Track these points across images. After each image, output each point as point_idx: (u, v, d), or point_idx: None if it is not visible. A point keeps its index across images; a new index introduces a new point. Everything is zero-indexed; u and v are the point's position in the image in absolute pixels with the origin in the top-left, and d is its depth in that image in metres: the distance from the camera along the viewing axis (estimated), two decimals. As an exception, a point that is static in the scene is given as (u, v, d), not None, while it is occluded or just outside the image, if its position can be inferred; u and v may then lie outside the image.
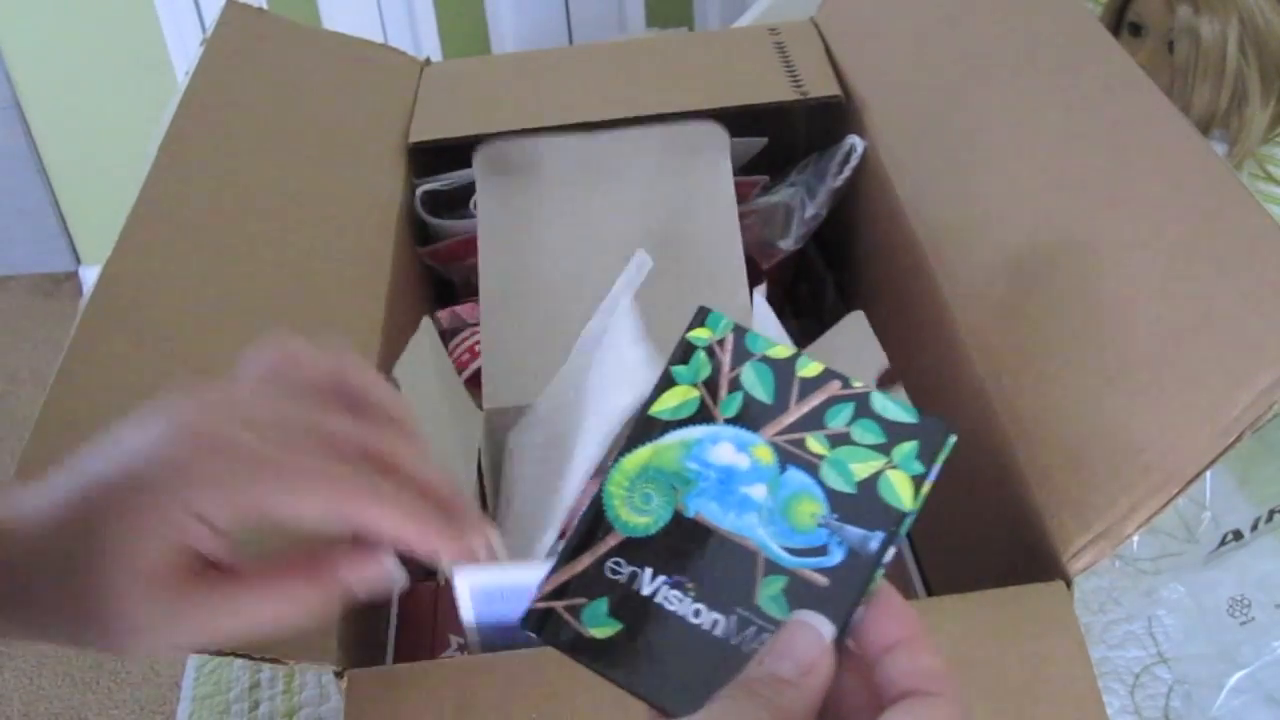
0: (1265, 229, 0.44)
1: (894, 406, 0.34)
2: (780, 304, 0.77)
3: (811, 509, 0.33)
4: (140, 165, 0.60)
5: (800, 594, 0.32)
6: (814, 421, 0.35)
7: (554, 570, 0.34)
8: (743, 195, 0.73)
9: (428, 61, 0.82)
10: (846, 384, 0.35)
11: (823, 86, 0.72)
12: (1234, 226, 0.45)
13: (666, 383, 0.36)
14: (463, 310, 0.71)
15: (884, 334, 0.69)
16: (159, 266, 0.56)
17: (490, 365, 0.65)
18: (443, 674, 0.44)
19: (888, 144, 0.67)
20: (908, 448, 0.34)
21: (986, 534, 0.53)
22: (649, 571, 0.34)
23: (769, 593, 0.33)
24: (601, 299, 0.60)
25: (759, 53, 0.77)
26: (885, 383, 0.64)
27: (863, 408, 0.34)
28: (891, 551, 0.33)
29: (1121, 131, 0.53)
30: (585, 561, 0.34)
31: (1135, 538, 0.45)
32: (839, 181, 0.71)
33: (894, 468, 0.33)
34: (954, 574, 0.59)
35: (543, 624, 0.34)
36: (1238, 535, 0.63)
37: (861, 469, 0.34)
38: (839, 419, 0.34)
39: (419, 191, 0.72)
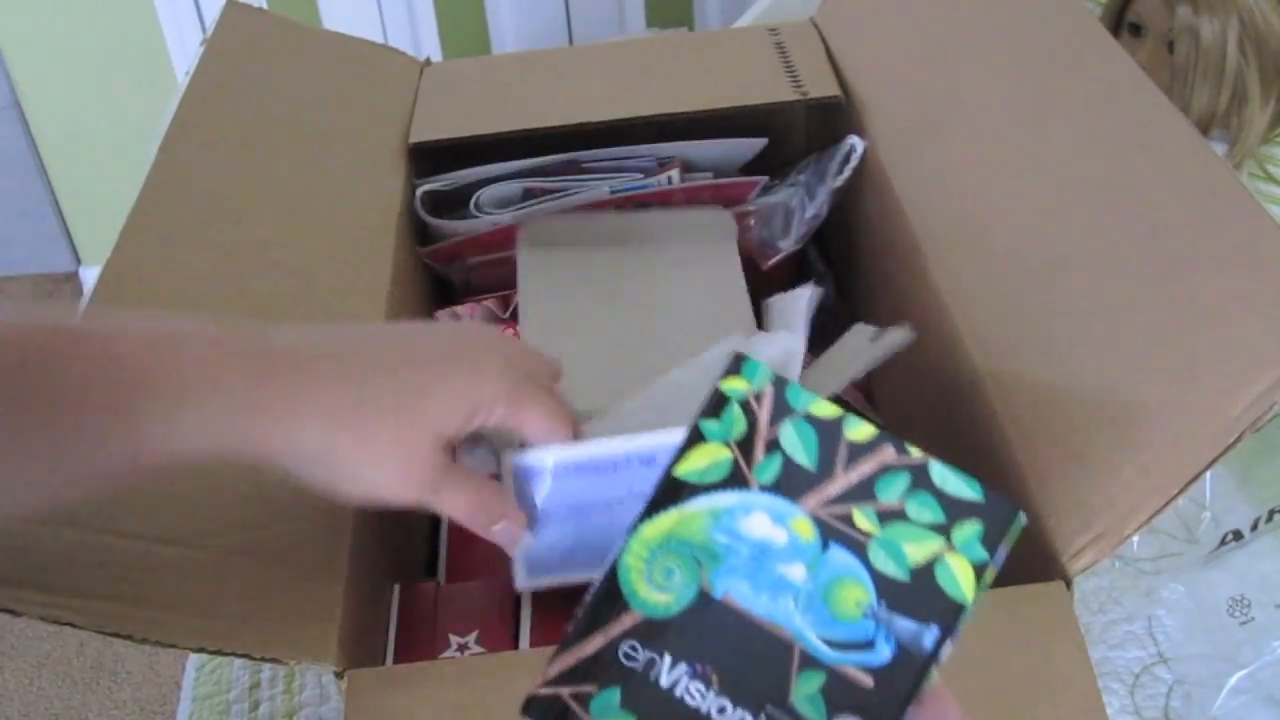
0: (1265, 229, 0.44)
1: (955, 479, 0.30)
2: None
3: (857, 596, 0.29)
4: (140, 165, 0.60)
5: (841, 695, 0.28)
6: (863, 493, 0.30)
7: (562, 650, 0.30)
8: (743, 195, 0.73)
9: (428, 61, 0.82)
10: (902, 450, 0.31)
11: (823, 86, 0.72)
12: (1234, 226, 0.45)
13: (695, 438, 0.32)
14: (462, 310, 0.71)
15: (884, 334, 0.69)
16: (159, 266, 0.56)
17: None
18: (443, 674, 0.44)
19: (888, 144, 0.67)
20: (970, 529, 0.30)
21: (986, 534, 0.53)
22: (668, 659, 0.30)
23: (805, 691, 0.29)
24: (620, 359, 0.60)
25: (759, 53, 0.77)
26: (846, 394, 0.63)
27: (920, 479, 0.30)
28: (948, 649, 0.29)
29: (1121, 131, 0.53)
30: (597, 643, 0.30)
31: (1135, 538, 0.45)
32: (839, 181, 0.71)
33: (954, 552, 0.29)
34: (954, 574, 0.59)
35: (546, 713, 0.30)
36: (1238, 535, 0.63)
37: (917, 552, 0.30)
38: (892, 492, 0.30)
39: (419, 191, 0.72)
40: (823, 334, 0.75)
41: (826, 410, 0.31)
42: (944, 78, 0.66)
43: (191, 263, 0.57)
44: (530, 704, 0.30)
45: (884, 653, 0.29)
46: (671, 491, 0.31)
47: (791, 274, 0.81)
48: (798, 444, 0.31)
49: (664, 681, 0.29)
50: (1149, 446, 0.43)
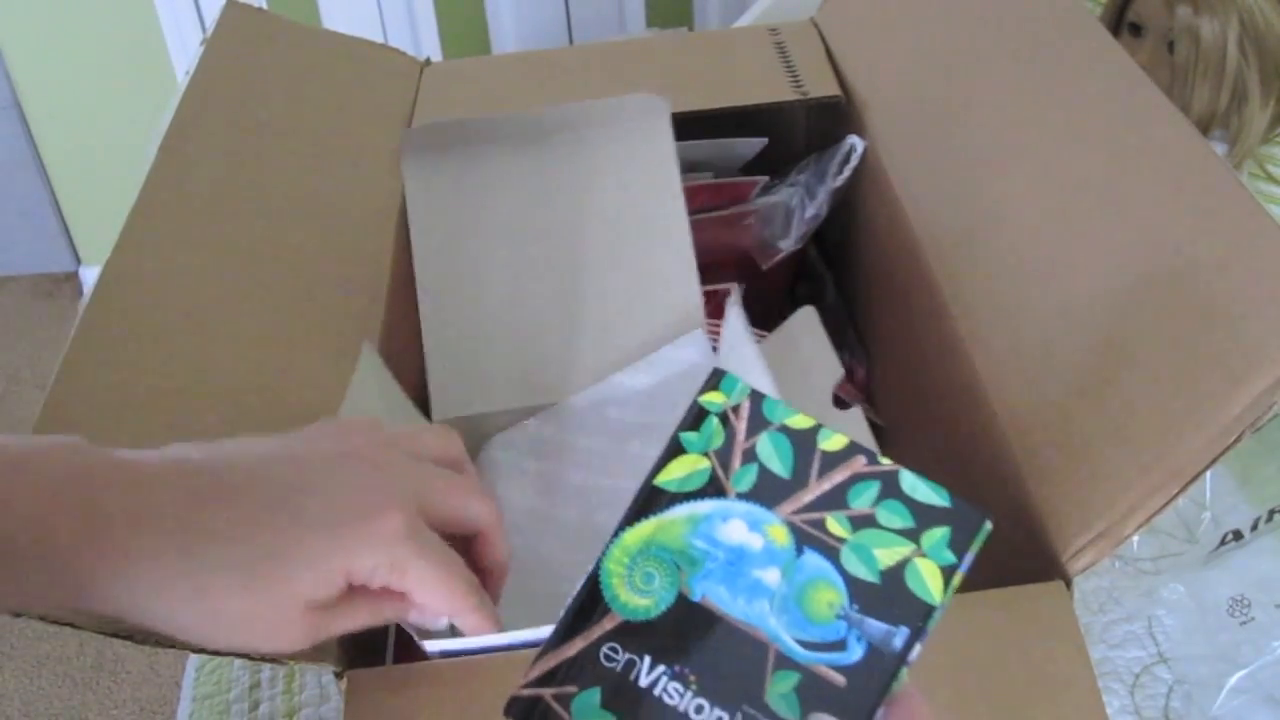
0: (1265, 229, 0.44)
1: (924, 487, 0.32)
2: (780, 304, 0.77)
3: (830, 598, 0.31)
4: (140, 165, 0.60)
5: (814, 693, 0.29)
6: (836, 501, 0.32)
7: (543, 653, 0.31)
8: (743, 195, 0.73)
9: (428, 61, 0.82)
10: (873, 460, 0.32)
11: (823, 86, 0.72)
12: (1234, 226, 0.45)
13: (674, 450, 0.33)
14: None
15: (884, 334, 0.69)
16: (159, 266, 0.56)
17: (436, 373, 0.65)
18: (443, 674, 0.44)
19: (888, 144, 0.67)
20: (938, 534, 0.31)
21: (986, 534, 0.53)
22: (648, 660, 0.30)
23: (779, 690, 0.30)
24: (548, 290, 0.57)
25: (759, 53, 0.77)
26: (846, 393, 0.64)
27: (890, 487, 0.32)
28: (917, 650, 0.30)
29: (1121, 131, 0.53)
30: (578, 645, 0.31)
31: (1135, 538, 0.45)
32: (839, 181, 0.71)
33: (923, 556, 0.31)
34: (954, 574, 0.59)
35: (528, 713, 0.31)
36: (1238, 535, 0.63)
37: (887, 556, 0.31)
38: (863, 499, 0.32)
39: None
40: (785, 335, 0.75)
41: (802, 422, 0.33)
42: (944, 78, 0.66)
43: (191, 263, 0.57)
44: (513, 705, 0.31)
45: (856, 652, 0.30)
46: (652, 500, 0.32)
47: (791, 274, 0.81)
48: (773, 454, 0.32)
49: (643, 682, 0.30)
50: (1149, 446, 0.43)
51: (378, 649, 0.51)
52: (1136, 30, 1.01)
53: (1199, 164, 0.48)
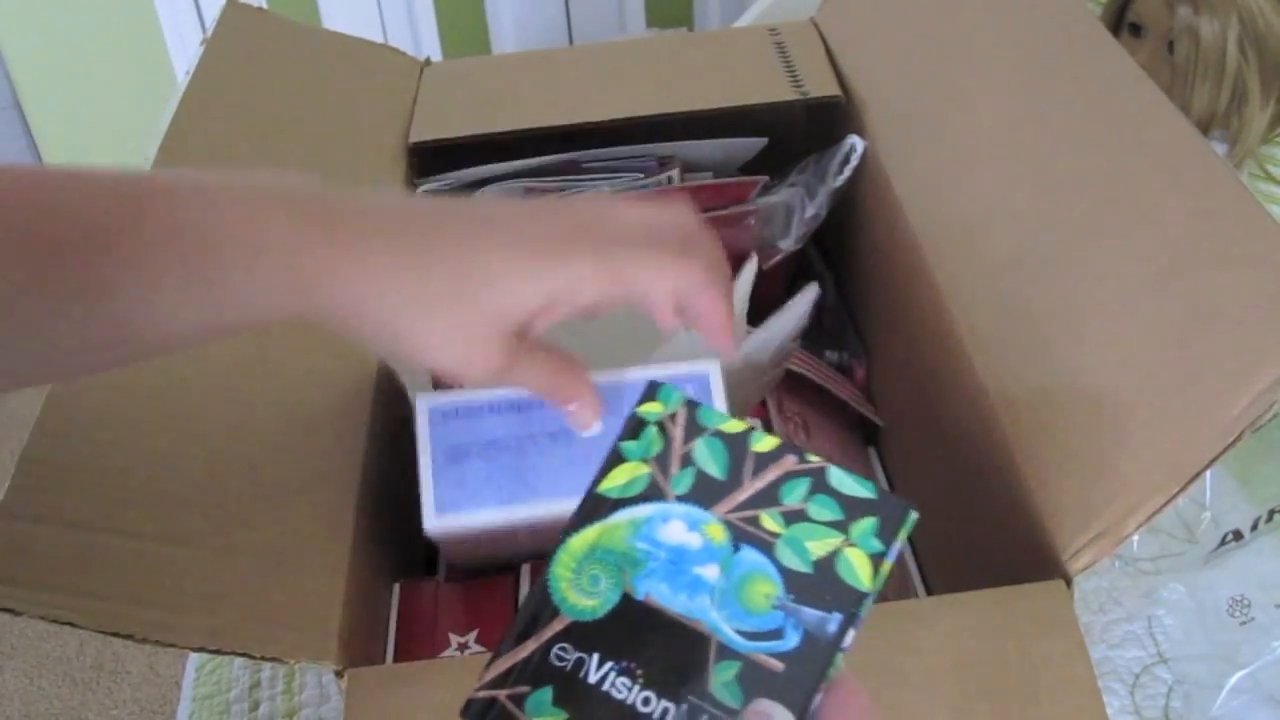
0: (1265, 229, 0.44)
1: (851, 481, 0.33)
2: (780, 304, 0.77)
3: (766, 590, 0.32)
4: (140, 165, 0.60)
5: (755, 680, 0.31)
6: (769, 498, 0.33)
7: (497, 657, 0.32)
8: (743, 195, 0.73)
9: (428, 61, 0.82)
10: (802, 459, 0.34)
11: (823, 86, 0.72)
12: (1234, 226, 0.45)
13: (615, 459, 0.35)
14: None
15: (884, 333, 0.69)
16: (159, 266, 0.56)
17: None
18: (443, 674, 0.44)
19: (888, 144, 0.67)
20: (866, 525, 0.33)
21: (986, 534, 0.53)
22: (596, 658, 0.32)
23: (722, 679, 0.31)
24: None
25: (759, 53, 0.77)
26: (846, 393, 0.63)
27: (819, 483, 0.33)
28: (851, 635, 0.31)
29: (1121, 131, 0.53)
30: (529, 648, 0.32)
31: (1135, 538, 0.45)
32: (839, 181, 0.71)
33: (852, 545, 0.32)
34: (954, 574, 0.59)
35: (485, 714, 0.32)
36: (1238, 535, 0.63)
37: (818, 547, 0.32)
38: (794, 495, 0.33)
39: (419, 191, 0.72)
40: (821, 331, 0.75)
41: (734, 427, 0.35)
42: (944, 78, 0.66)
43: (191, 263, 0.57)
44: (469, 706, 0.32)
45: (792, 639, 0.31)
46: (595, 507, 0.34)
47: (791, 274, 0.81)
48: (709, 458, 0.34)
49: (592, 678, 0.31)
50: (1149, 446, 0.43)
51: (378, 649, 0.51)
52: (1136, 30, 1.01)
53: (1199, 164, 0.48)
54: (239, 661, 0.63)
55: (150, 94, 1.88)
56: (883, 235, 0.68)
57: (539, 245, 0.39)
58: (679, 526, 0.33)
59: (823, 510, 0.33)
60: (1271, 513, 0.63)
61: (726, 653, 0.31)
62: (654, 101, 0.72)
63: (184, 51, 1.83)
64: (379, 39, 1.11)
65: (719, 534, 0.33)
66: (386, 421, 0.56)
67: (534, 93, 0.76)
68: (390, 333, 0.39)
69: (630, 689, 0.31)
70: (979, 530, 0.54)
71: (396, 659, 0.51)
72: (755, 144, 0.75)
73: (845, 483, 0.33)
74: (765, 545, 0.33)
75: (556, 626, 0.32)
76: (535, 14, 1.80)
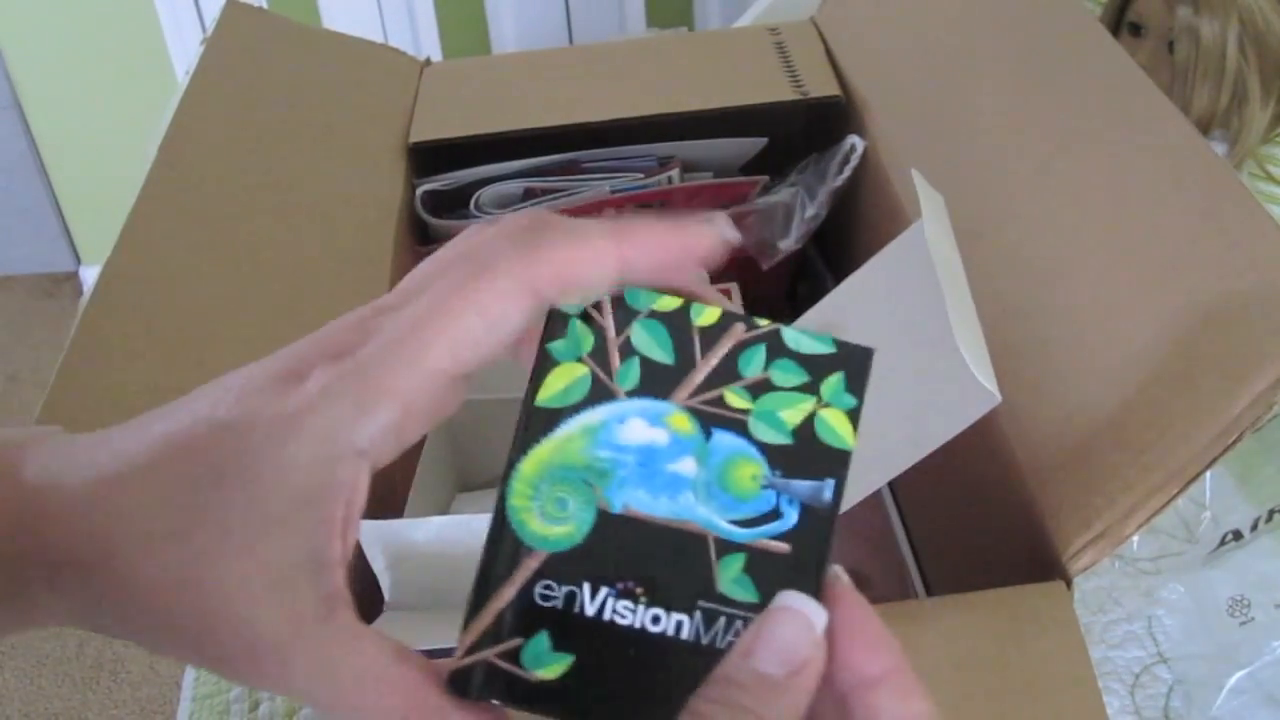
0: (1265, 229, 0.44)
1: (807, 340, 0.30)
2: (780, 304, 0.77)
3: (751, 471, 0.29)
4: (140, 165, 0.60)
5: (764, 568, 0.29)
6: (727, 374, 0.30)
7: (469, 620, 0.29)
8: (743, 195, 0.73)
9: (428, 61, 0.82)
10: (751, 324, 0.30)
11: (823, 86, 0.72)
12: (1234, 226, 0.45)
13: (546, 363, 0.30)
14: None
15: (884, 334, 0.69)
16: (159, 266, 0.56)
17: None
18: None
19: (888, 144, 0.67)
20: (834, 381, 0.30)
21: (986, 534, 0.53)
22: (587, 587, 0.29)
23: (729, 575, 0.29)
24: None
25: (759, 53, 0.77)
26: None
27: (776, 347, 0.30)
28: (842, 499, 0.29)
29: (1121, 131, 0.53)
30: (507, 595, 0.29)
31: (1135, 538, 0.45)
32: (839, 181, 0.71)
33: (826, 406, 0.30)
34: (954, 574, 0.59)
35: (473, 682, 0.28)
36: (1238, 535, 0.63)
37: (792, 415, 0.30)
38: (753, 365, 0.30)
39: (419, 191, 0.72)
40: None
41: (669, 303, 0.31)
42: (944, 77, 0.66)
43: (191, 263, 0.57)
44: (454, 679, 0.28)
45: (791, 517, 0.29)
46: (538, 422, 0.30)
47: (791, 274, 0.81)
48: (651, 343, 0.30)
49: (589, 610, 0.29)
50: (1149, 446, 0.43)
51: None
52: (1136, 30, 1.01)
53: (1199, 164, 0.48)
54: (239, 661, 0.63)
55: (150, 94, 1.88)
56: (883, 235, 0.68)
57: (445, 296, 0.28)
58: (639, 425, 0.30)
59: (787, 375, 0.30)
60: (1271, 513, 0.63)
61: (726, 547, 0.29)
62: (654, 101, 0.72)
63: (184, 51, 1.83)
64: (379, 39, 1.11)
65: (685, 424, 0.30)
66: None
67: (534, 93, 0.76)
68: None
69: (634, 611, 0.29)
70: (979, 530, 0.54)
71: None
72: (755, 144, 0.75)
73: (802, 341, 0.30)
74: (737, 425, 0.30)
75: (532, 564, 0.29)
76: (535, 14, 1.80)
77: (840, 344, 0.30)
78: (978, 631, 0.44)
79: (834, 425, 0.29)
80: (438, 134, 0.73)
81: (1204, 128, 0.99)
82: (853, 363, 0.30)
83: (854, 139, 0.70)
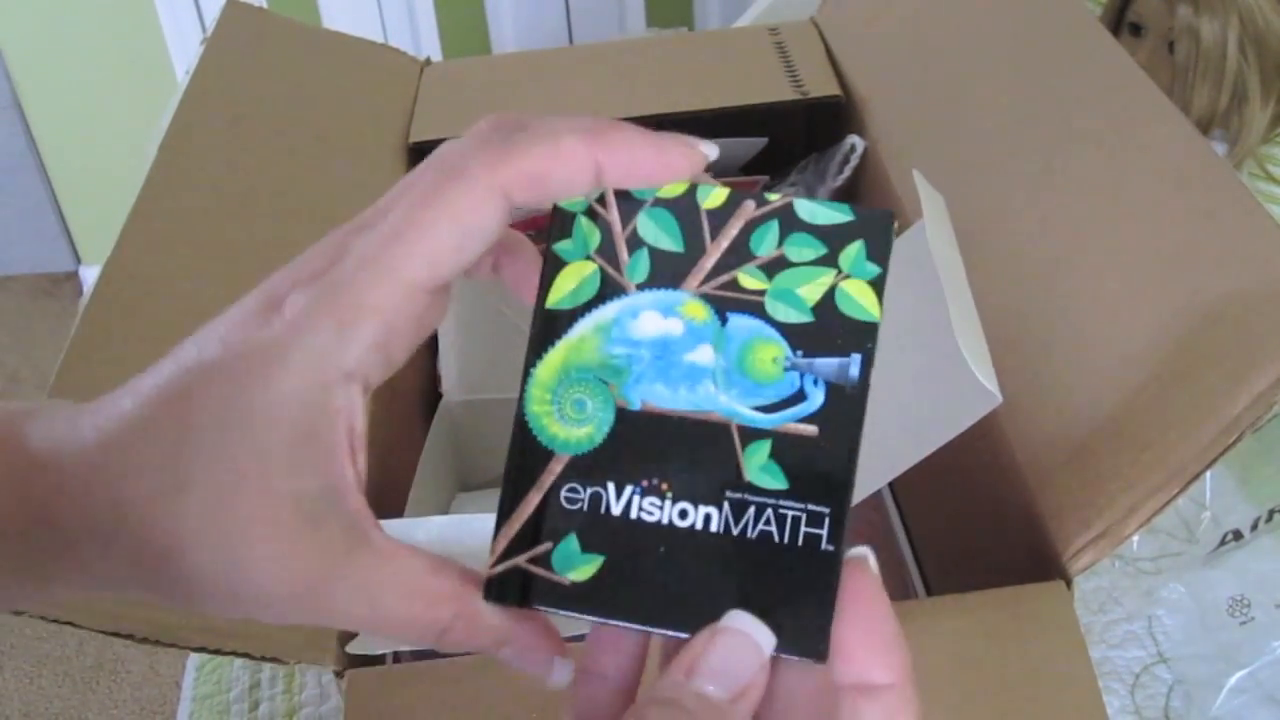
0: (1265, 229, 0.44)
1: (823, 210, 0.29)
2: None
3: (771, 353, 0.28)
4: (140, 165, 0.60)
5: (791, 453, 0.28)
6: (740, 255, 0.29)
7: (500, 528, 0.29)
8: (743, 195, 0.73)
9: (428, 61, 0.82)
10: (761, 200, 0.29)
11: (823, 86, 0.72)
12: (1234, 226, 0.45)
13: (554, 265, 0.29)
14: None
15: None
16: (159, 266, 0.56)
17: (447, 356, 0.65)
18: (443, 674, 0.44)
19: (888, 144, 0.67)
20: (854, 250, 0.28)
21: (986, 534, 0.53)
22: (611, 487, 0.28)
23: (756, 463, 0.28)
24: None
25: (759, 53, 0.77)
26: None
27: (789, 221, 0.29)
28: (870, 374, 0.28)
29: (1121, 131, 0.53)
30: (533, 501, 0.28)
31: (1135, 538, 0.45)
32: (839, 181, 0.71)
33: (847, 278, 0.28)
34: (954, 574, 0.59)
35: (508, 588, 0.28)
36: (1238, 535, 0.63)
37: (811, 291, 0.28)
38: (767, 243, 0.29)
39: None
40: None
41: (675, 189, 0.30)
42: (944, 78, 0.66)
43: (191, 263, 0.57)
44: (490, 587, 0.28)
45: (817, 398, 0.28)
46: (550, 325, 0.29)
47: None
48: (658, 232, 0.29)
49: (616, 510, 0.28)
50: (1149, 446, 0.43)
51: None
52: (1136, 30, 1.01)
53: (1199, 164, 0.48)
54: (239, 661, 0.63)
55: (150, 94, 1.88)
56: (883, 235, 0.68)
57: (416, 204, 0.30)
58: (653, 317, 0.29)
59: (803, 250, 0.29)
60: (1271, 513, 0.63)
61: (751, 434, 0.28)
62: (654, 101, 0.72)
63: (184, 51, 1.83)
64: (379, 39, 1.11)
65: (699, 311, 0.29)
66: (385, 427, 0.56)
67: (534, 93, 0.76)
68: None
69: (661, 507, 0.28)
70: (979, 530, 0.54)
71: (396, 659, 0.51)
72: (755, 144, 0.75)
73: (817, 212, 0.29)
74: (753, 307, 0.28)
75: (555, 469, 0.29)
76: (535, 14, 1.80)
77: (858, 210, 0.29)
78: (978, 631, 0.44)
79: (856, 297, 0.28)
80: (438, 134, 0.73)
81: (1204, 128, 0.99)
82: (873, 229, 0.29)
83: (854, 139, 0.70)
